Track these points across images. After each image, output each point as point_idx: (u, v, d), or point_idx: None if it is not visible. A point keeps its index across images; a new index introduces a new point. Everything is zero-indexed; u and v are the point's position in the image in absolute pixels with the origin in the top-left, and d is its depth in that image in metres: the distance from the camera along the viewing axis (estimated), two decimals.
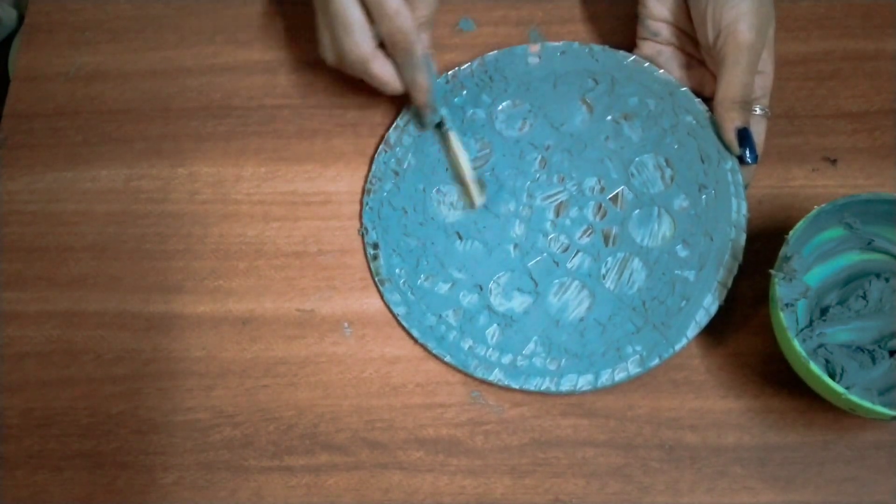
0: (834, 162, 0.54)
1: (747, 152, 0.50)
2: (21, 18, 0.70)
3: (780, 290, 0.45)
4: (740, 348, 0.51)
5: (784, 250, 0.46)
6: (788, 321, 0.45)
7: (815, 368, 0.43)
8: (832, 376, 0.46)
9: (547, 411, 0.50)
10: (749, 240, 0.52)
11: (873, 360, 0.47)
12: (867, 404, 0.42)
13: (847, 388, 0.43)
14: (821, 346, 0.47)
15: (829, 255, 0.50)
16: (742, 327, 0.51)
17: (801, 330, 0.48)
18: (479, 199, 0.53)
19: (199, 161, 0.57)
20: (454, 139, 0.54)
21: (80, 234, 0.55)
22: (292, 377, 0.51)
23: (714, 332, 0.51)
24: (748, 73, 0.49)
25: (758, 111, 0.51)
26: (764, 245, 0.53)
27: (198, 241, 0.55)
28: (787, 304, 0.46)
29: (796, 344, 0.44)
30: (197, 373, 0.52)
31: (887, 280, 0.48)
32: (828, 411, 0.49)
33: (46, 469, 0.50)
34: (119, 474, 0.50)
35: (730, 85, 0.49)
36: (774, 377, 0.50)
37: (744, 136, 0.50)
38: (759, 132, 0.51)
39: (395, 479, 0.49)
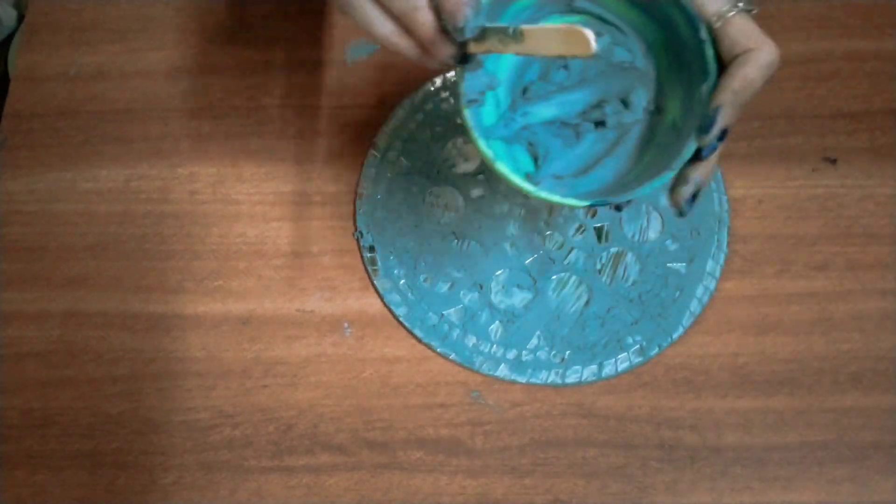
0: (834, 162, 0.54)
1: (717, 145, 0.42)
2: (21, 18, 0.70)
3: (466, 83, 0.40)
4: (740, 348, 0.51)
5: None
6: (474, 119, 0.40)
7: (502, 168, 0.39)
8: (536, 160, 0.43)
9: (547, 411, 0.50)
10: (748, 240, 0.53)
11: (578, 134, 0.44)
12: (556, 198, 0.39)
13: (543, 177, 0.41)
14: (526, 127, 0.44)
15: (528, 24, 0.40)
16: (742, 327, 0.51)
17: (504, 113, 0.43)
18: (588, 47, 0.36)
19: (199, 161, 0.57)
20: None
21: (81, 235, 0.55)
22: (292, 377, 0.51)
23: (714, 332, 0.51)
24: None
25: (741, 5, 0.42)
26: (763, 245, 0.53)
27: (198, 242, 0.55)
28: (471, 101, 0.40)
29: (481, 144, 0.39)
30: (197, 373, 0.52)
31: None
32: (828, 411, 0.49)
33: (46, 469, 0.50)
34: (119, 474, 0.50)
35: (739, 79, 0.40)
36: (774, 377, 0.50)
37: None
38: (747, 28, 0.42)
39: (395, 479, 0.49)
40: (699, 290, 0.52)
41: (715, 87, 0.40)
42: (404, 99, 0.57)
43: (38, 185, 0.57)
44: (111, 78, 0.59)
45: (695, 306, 0.51)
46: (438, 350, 0.51)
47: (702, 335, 0.51)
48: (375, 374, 0.51)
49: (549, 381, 0.50)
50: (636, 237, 0.53)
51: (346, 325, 0.52)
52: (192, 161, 0.57)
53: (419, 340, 0.51)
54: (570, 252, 0.53)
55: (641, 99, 0.43)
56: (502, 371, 0.50)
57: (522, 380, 0.50)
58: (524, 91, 0.44)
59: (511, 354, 0.51)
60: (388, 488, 0.49)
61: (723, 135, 0.39)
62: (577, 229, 0.53)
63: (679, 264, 0.52)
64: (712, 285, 0.52)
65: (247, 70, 0.59)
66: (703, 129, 0.39)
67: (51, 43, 0.60)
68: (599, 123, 0.44)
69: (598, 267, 0.53)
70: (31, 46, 0.60)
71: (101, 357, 0.52)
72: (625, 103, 0.44)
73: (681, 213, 0.41)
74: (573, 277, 0.52)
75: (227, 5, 0.61)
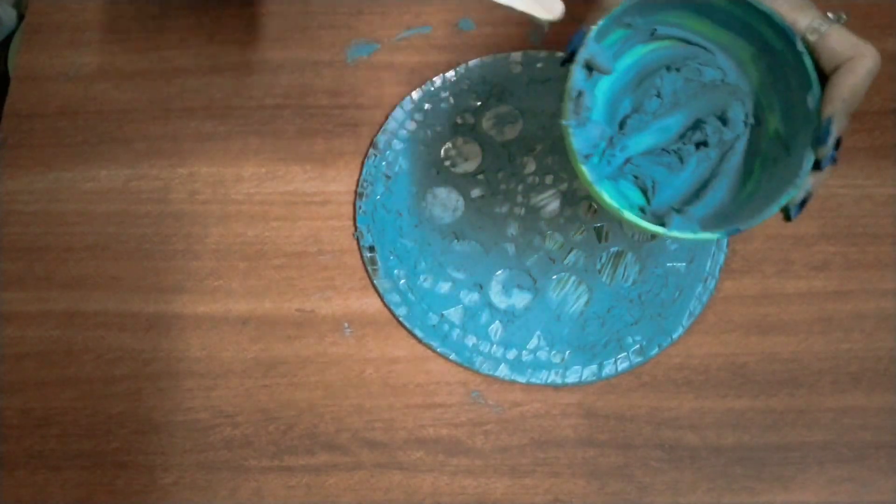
0: (834, 162, 0.54)
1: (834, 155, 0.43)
2: (21, 18, 0.70)
3: (577, 140, 0.40)
4: (740, 348, 0.51)
5: (569, 86, 0.41)
6: (593, 173, 0.40)
7: (636, 219, 0.40)
8: (644, 192, 0.44)
9: (547, 411, 0.50)
10: (748, 240, 0.53)
11: (681, 159, 0.44)
12: (690, 236, 0.40)
13: (661, 211, 0.41)
14: (628, 160, 0.44)
15: (614, 58, 0.44)
16: (741, 327, 0.51)
17: (603, 151, 0.43)
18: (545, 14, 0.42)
19: (200, 161, 0.57)
20: None
21: (81, 235, 0.55)
22: (292, 377, 0.51)
23: (714, 332, 0.51)
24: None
25: (831, 16, 0.43)
26: (762, 246, 0.53)
27: (198, 242, 0.55)
28: (587, 155, 0.41)
29: (606, 197, 0.40)
30: (197, 373, 0.52)
31: (678, 70, 0.44)
32: (828, 411, 0.49)
33: (46, 469, 0.50)
34: (119, 474, 0.50)
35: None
36: (774, 377, 0.50)
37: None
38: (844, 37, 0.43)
39: (395, 479, 0.49)
40: (699, 290, 0.52)
41: (822, 98, 0.40)
42: (404, 99, 0.57)
43: (38, 185, 0.57)
44: (111, 78, 0.59)
45: (695, 306, 0.51)
46: (438, 350, 0.51)
47: (702, 335, 0.51)
48: (375, 374, 0.51)
49: (549, 381, 0.50)
50: (636, 237, 0.53)
51: (346, 325, 0.52)
52: (192, 161, 0.57)
53: (419, 340, 0.51)
54: (570, 252, 0.53)
55: (739, 114, 0.44)
56: (502, 371, 0.50)
57: (522, 380, 0.50)
58: (620, 126, 0.45)
59: (511, 354, 0.51)
60: (388, 488, 0.49)
61: (837, 144, 0.40)
62: (577, 229, 0.53)
63: (679, 264, 0.52)
64: (712, 285, 0.52)
65: (247, 70, 0.59)
66: (819, 140, 0.40)
67: (51, 43, 0.60)
68: (700, 144, 0.44)
69: (598, 267, 0.53)
70: (31, 46, 0.60)
71: (101, 357, 0.52)
72: (723, 120, 0.44)
73: (787, 217, 0.41)
74: (573, 277, 0.52)
75: (227, 6, 0.61)
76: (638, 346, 0.51)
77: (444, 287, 0.52)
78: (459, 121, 0.56)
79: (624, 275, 0.52)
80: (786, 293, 0.51)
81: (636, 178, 0.44)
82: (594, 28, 0.41)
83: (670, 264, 0.53)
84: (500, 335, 0.51)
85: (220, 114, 0.58)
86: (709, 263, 0.52)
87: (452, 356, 0.51)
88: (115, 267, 0.54)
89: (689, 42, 0.44)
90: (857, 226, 0.53)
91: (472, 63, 0.58)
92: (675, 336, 0.51)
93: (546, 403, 0.50)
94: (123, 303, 0.53)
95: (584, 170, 0.40)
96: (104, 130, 0.58)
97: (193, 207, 0.55)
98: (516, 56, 0.58)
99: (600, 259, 0.53)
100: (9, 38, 0.71)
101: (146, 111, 0.58)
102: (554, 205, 0.54)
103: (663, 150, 0.44)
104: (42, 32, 0.61)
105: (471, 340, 0.51)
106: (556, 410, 0.50)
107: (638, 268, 0.53)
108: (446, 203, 0.54)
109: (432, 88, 0.57)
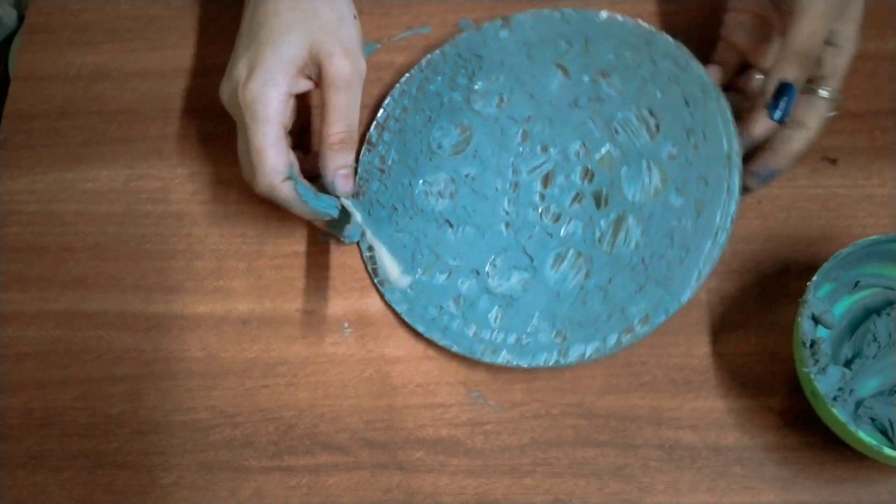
0: (834, 162, 0.54)
1: (776, 108, 0.46)
2: (21, 18, 0.70)
3: (822, 385, 0.44)
4: (740, 348, 0.51)
5: (799, 336, 0.45)
6: (844, 415, 0.43)
7: (892, 453, 0.42)
8: (884, 433, 0.46)
9: (547, 411, 0.50)
10: (748, 241, 0.53)
11: None
12: None
13: None
14: (859, 404, 0.47)
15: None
16: (742, 327, 0.51)
17: (835, 397, 0.46)
18: (401, 280, 0.52)
19: (200, 161, 0.57)
20: (378, 249, 0.52)
21: (81, 235, 0.55)
22: (292, 377, 0.51)
23: (714, 332, 0.51)
24: (819, 21, 0.44)
25: (823, 93, 0.47)
26: (762, 246, 0.53)
27: (198, 242, 0.55)
28: (835, 398, 0.45)
29: (864, 436, 0.43)
30: (197, 373, 0.52)
31: (888, 314, 0.48)
32: None
33: (46, 469, 0.50)
34: (119, 474, 0.50)
35: (794, 32, 0.45)
36: (774, 377, 0.50)
37: (782, 90, 0.46)
38: (814, 114, 0.48)
39: (395, 479, 0.49)
40: (708, 247, 0.48)
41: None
42: (393, 88, 0.56)
43: (38, 185, 0.57)
44: (111, 78, 0.59)
45: (704, 265, 0.48)
46: (441, 343, 0.50)
47: (702, 335, 0.51)
48: (375, 374, 0.51)
49: (551, 362, 0.49)
50: (637, 197, 0.50)
51: (346, 325, 0.52)
52: (192, 161, 0.57)
53: (420, 336, 0.51)
54: (568, 222, 0.51)
55: None
56: (504, 357, 0.49)
57: (524, 364, 0.49)
58: (847, 364, 0.48)
59: (511, 339, 0.50)
60: (388, 488, 0.49)
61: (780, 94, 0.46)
62: (574, 198, 0.52)
63: (686, 221, 0.49)
64: (723, 239, 0.48)
65: None
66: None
67: (51, 43, 0.60)
68: None
69: (598, 235, 0.50)
70: (31, 46, 0.60)
71: (101, 357, 0.52)
72: None
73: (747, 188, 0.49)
74: (571, 251, 0.51)
75: (227, 5, 0.61)
76: (644, 314, 0.48)
77: (441, 277, 0.52)
78: (448, 101, 0.56)
79: (625, 240, 0.50)
80: (785, 293, 0.51)
81: (873, 420, 0.46)
82: (809, 284, 0.45)
83: (676, 222, 0.49)
84: (500, 320, 0.50)
85: (220, 114, 0.57)
86: (719, 215, 0.49)
87: (455, 348, 0.50)
88: (115, 267, 0.54)
89: (890, 288, 0.49)
90: (856, 226, 0.53)
91: (458, 38, 0.56)
92: (683, 300, 0.48)
93: (546, 403, 0.50)
94: (123, 303, 0.53)
95: (836, 412, 0.43)
96: (104, 130, 0.58)
97: (193, 207, 0.55)
98: (503, 22, 0.56)
99: (599, 227, 0.51)
100: (9, 38, 0.71)
101: (146, 111, 0.58)
102: (548, 172, 0.53)
103: (890, 390, 0.47)
104: (42, 32, 0.61)
105: (471, 329, 0.50)
106: (556, 410, 0.50)
107: (640, 230, 0.50)
108: (440, 190, 0.54)
109: (420, 72, 0.56)
